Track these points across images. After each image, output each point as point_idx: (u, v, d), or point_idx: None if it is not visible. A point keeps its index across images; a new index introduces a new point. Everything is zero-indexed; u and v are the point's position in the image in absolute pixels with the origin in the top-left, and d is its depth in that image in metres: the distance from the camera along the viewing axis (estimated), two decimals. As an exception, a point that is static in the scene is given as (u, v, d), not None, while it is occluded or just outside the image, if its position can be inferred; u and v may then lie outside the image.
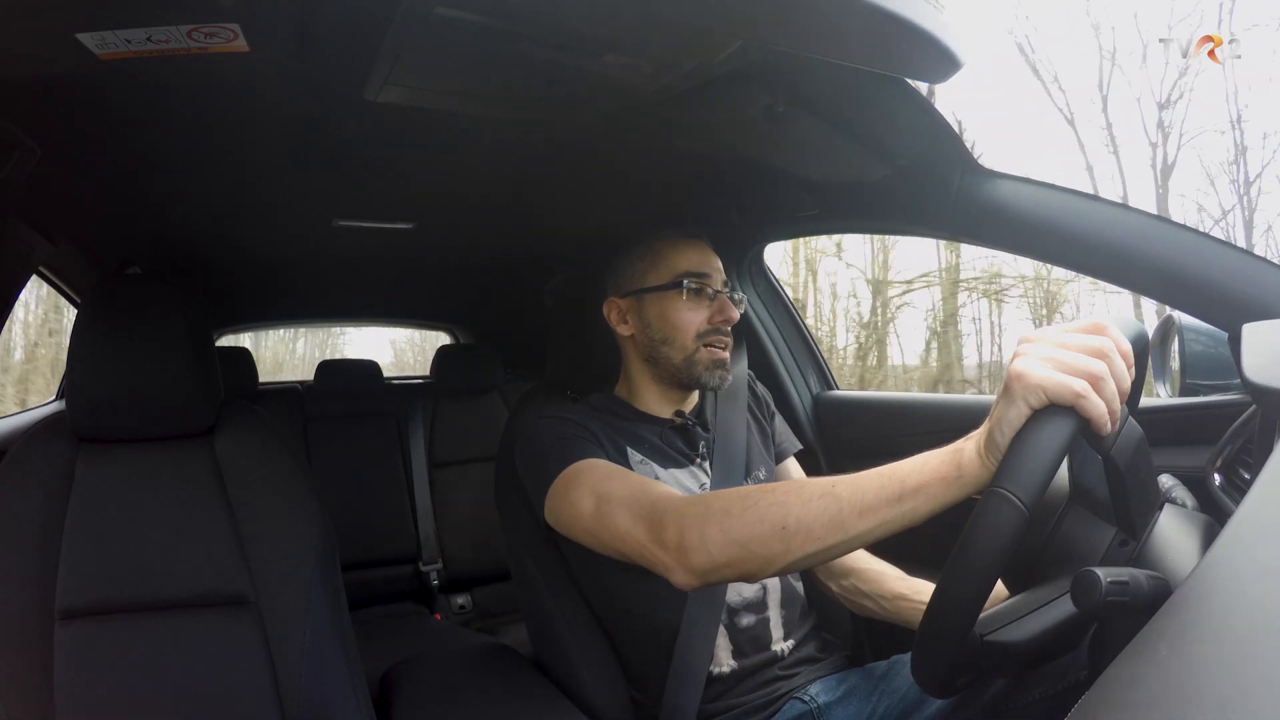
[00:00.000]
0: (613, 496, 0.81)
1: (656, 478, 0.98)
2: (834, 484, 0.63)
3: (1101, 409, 0.52)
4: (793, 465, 1.18)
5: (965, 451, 0.58)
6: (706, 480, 1.02)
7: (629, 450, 0.99)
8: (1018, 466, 0.52)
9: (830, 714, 0.92)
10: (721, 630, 0.95)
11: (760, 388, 1.20)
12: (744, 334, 1.44)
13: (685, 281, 1.02)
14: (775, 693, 0.96)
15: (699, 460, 1.03)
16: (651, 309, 1.04)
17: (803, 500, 0.64)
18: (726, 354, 1.03)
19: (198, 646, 0.91)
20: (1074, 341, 0.54)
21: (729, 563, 0.68)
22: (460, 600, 2.15)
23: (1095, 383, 0.52)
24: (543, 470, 0.92)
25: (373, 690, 1.00)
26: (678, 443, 1.04)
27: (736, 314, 1.03)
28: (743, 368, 1.19)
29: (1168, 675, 0.37)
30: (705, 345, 1.01)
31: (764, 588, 0.99)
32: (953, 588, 0.56)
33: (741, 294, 1.11)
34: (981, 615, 0.66)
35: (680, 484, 0.99)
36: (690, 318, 1.02)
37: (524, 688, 1.05)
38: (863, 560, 1.04)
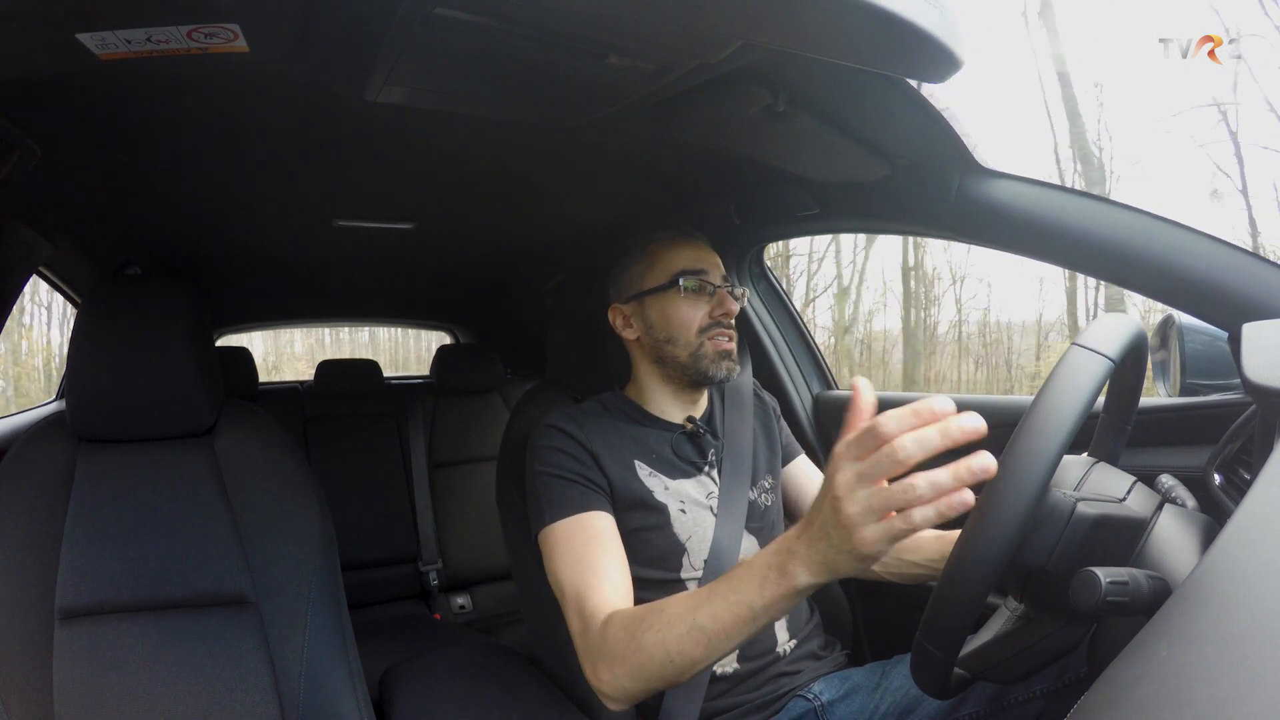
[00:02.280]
0: (565, 591, 0.88)
1: (666, 489, 0.99)
2: (694, 613, 0.69)
3: (932, 513, 0.52)
4: (804, 463, 1.19)
5: (796, 578, 0.61)
6: (714, 488, 1.02)
7: (636, 464, 0.99)
8: (922, 662, 0.60)
9: (833, 711, 0.92)
10: None
11: (767, 395, 1.21)
12: (744, 334, 1.44)
13: (681, 279, 1.03)
14: (778, 690, 0.96)
15: (707, 469, 1.04)
16: (653, 310, 1.05)
17: (676, 634, 0.70)
18: (731, 345, 1.04)
19: (198, 646, 0.91)
20: (883, 465, 0.53)
21: (642, 691, 0.76)
22: (460, 600, 2.15)
23: (918, 503, 0.52)
24: (538, 509, 0.96)
25: (372, 690, 1.00)
26: (687, 450, 1.04)
27: (736, 306, 1.04)
28: (748, 375, 1.19)
29: (1168, 675, 0.37)
30: (709, 339, 1.02)
31: None
32: (948, 595, 0.56)
33: (742, 288, 1.11)
34: (968, 651, 0.67)
35: (687, 495, 1.00)
36: (691, 314, 1.03)
37: (524, 688, 1.05)
38: None
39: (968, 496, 0.52)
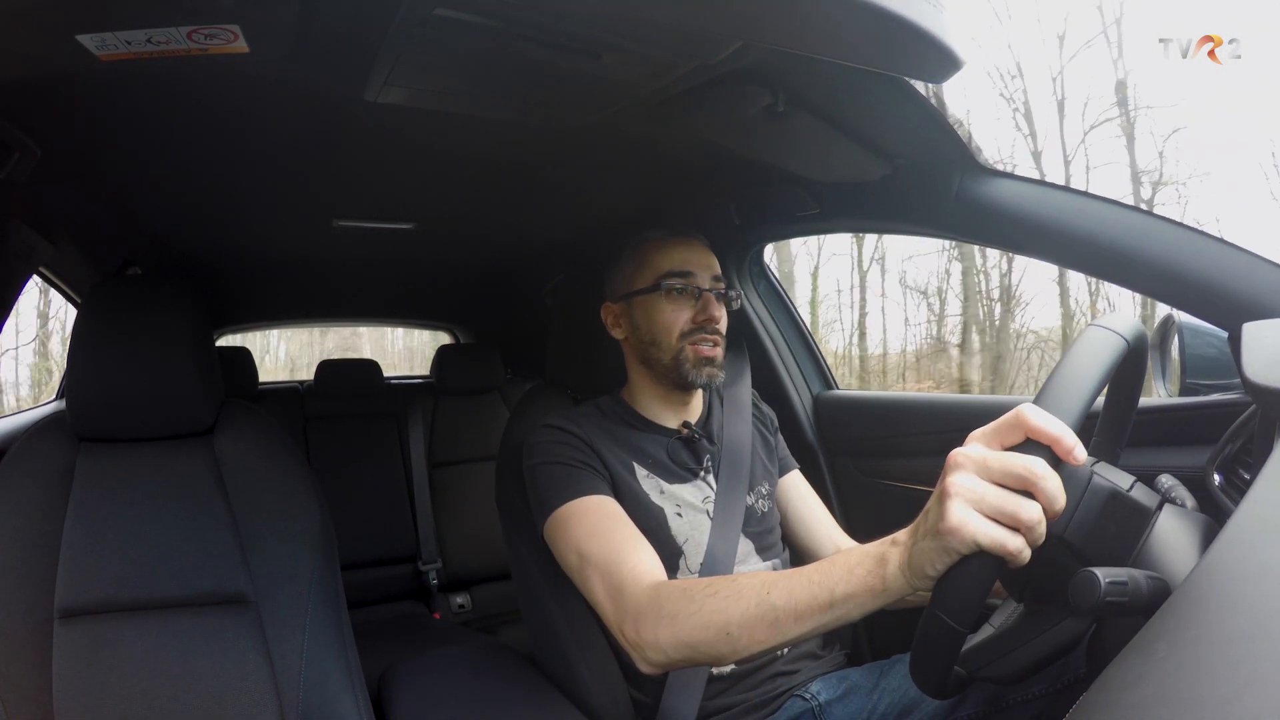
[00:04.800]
0: (591, 558, 0.86)
1: (662, 493, 0.99)
2: (769, 589, 0.66)
3: (1026, 554, 0.51)
4: (797, 478, 1.18)
5: (890, 566, 0.58)
6: (711, 493, 1.02)
7: (635, 465, 0.99)
8: (949, 597, 0.55)
9: (830, 711, 0.92)
10: None
11: (766, 407, 1.21)
12: (744, 334, 1.44)
13: (664, 282, 1.02)
14: (776, 690, 0.96)
15: (703, 474, 1.04)
16: (639, 311, 1.05)
17: (742, 607, 0.67)
18: (714, 351, 1.02)
19: (197, 646, 0.91)
20: (1007, 471, 0.50)
21: (683, 660, 0.74)
22: (460, 600, 2.15)
23: (1028, 531, 0.50)
24: (543, 498, 0.95)
25: (372, 690, 1.00)
26: (683, 455, 1.04)
27: (719, 312, 1.02)
28: (748, 383, 1.19)
29: (1167, 675, 0.37)
30: (691, 344, 1.01)
31: None
32: (944, 600, 0.57)
33: (737, 290, 1.10)
34: (968, 648, 0.67)
35: (683, 499, 1.00)
36: (673, 317, 1.02)
37: (523, 687, 1.05)
38: None
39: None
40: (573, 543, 0.89)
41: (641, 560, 0.84)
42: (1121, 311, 0.75)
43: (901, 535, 0.59)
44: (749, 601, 0.67)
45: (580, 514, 0.91)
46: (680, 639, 0.72)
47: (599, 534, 0.88)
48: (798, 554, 1.12)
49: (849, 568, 0.61)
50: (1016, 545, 0.50)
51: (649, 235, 1.08)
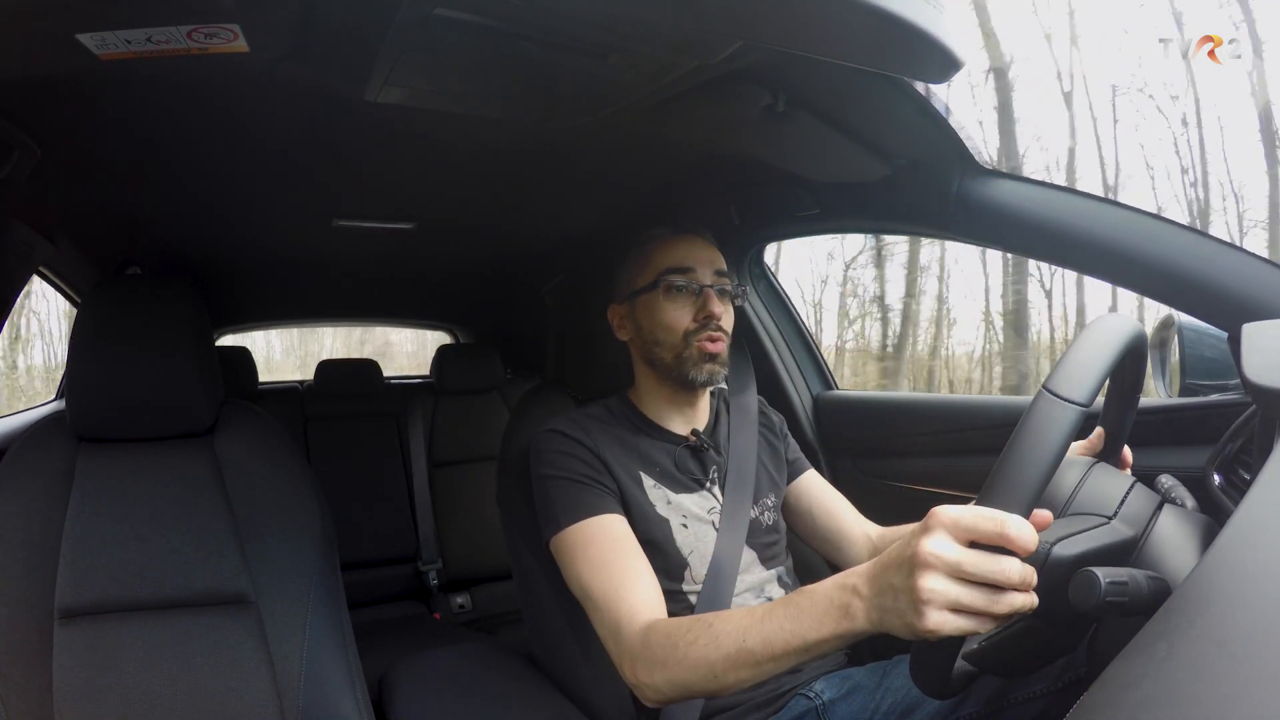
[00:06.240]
0: (592, 594, 0.88)
1: (669, 503, 0.99)
2: (745, 636, 0.69)
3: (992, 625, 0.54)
4: (814, 476, 1.18)
5: (857, 621, 0.60)
6: (717, 504, 1.02)
7: (642, 475, 0.99)
8: (922, 663, 0.59)
9: (834, 710, 0.92)
10: None
11: (774, 412, 1.20)
12: (744, 334, 1.44)
13: (664, 279, 1.01)
14: (779, 689, 0.96)
15: (709, 484, 1.03)
16: (642, 311, 1.04)
17: (723, 652, 0.70)
18: (716, 346, 1.00)
19: (197, 646, 0.91)
20: (978, 573, 0.52)
21: (680, 696, 0.78)
22: (460, 600, 2.15)
23: (996, 620, 0.53)
24: (551, 514, 0.95)
25: (372, 690, 1.00)
26: (690, 465, 1.03)
27: (719, 309, 1.00)
28: (753, 390, 1.18)
29: (1167, 675, 0.37)
30: (696, 341, 1.00)
31: (770, 600, 0.99)
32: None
33: (740, 285, 1.08)
34: (969, 648, 0.67)
35: (689, 510, 0.99)
36: (675, 316, 1.01)
37: (523, 687, 1.05)
38: (903, 531, 1.02)
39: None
40: (575, 573, 0.91)
41: (637, 599, 0.85)
42: (1071, 369, 0.56)
43: (862, 585, 0.60)
44: (728, 648, 0.70)
45: (585, 541, 0.91)
46: (673, 681, 0.75)
47: (601, 565, 0.89)
48: (832, 547, 1.12)
49: (816, 619, 0.64)
50: (988, 628, 0.54)
51: (652, 234, 1.07)
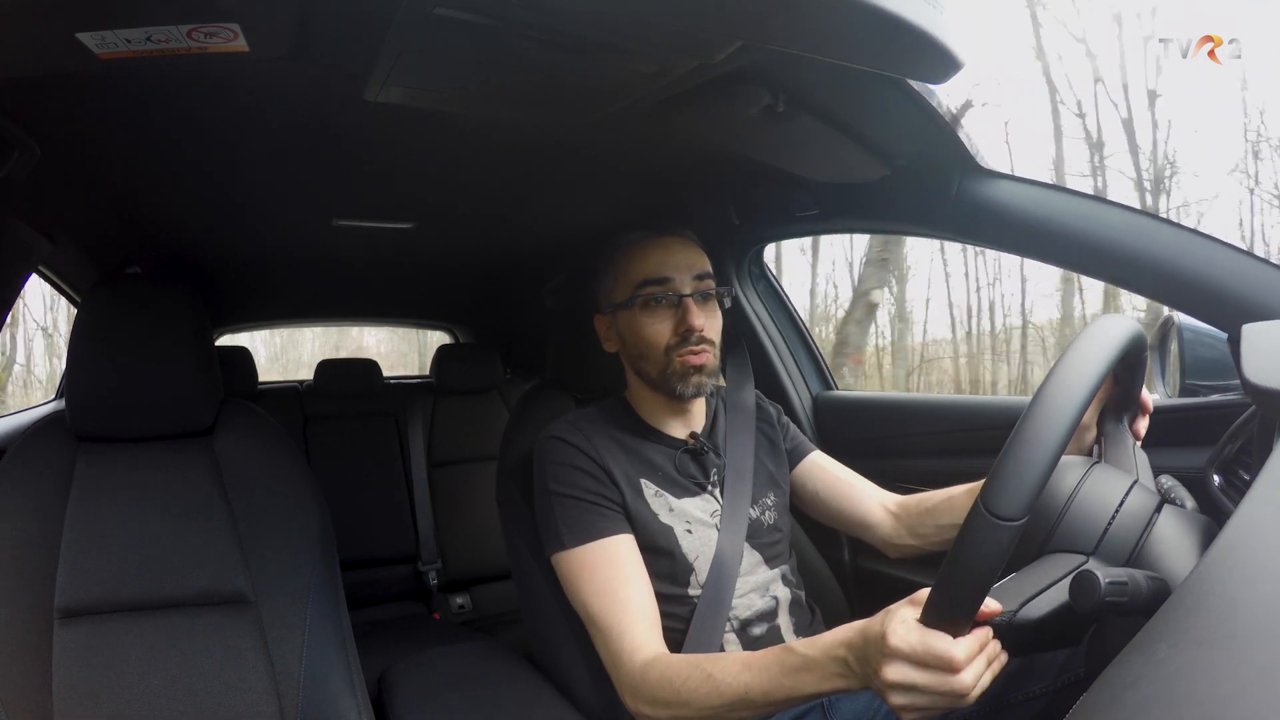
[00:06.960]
0: (595, 621, 0.90)
1: (671, 510, 0.98)
2: (747, 689, 0.73)
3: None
4: (820, 457, 1.16)
5: (852, 681, 0.67)
6: (718, 507, 1.01)
7: (643, 483, 0.99)
8: None
9: (838, 707, 0.92)
10: (734, 641, 0.95)
11: (770, 405, 1.18)
12: (744, 334, 1.44)
13: (639, 293, 0.98)
14: None
15: (710, 487, 1.03)
16: (623, 325, 1.02)
17: (725, 700, 0.74)
18: (701, 359, 0.98)
19: (197, 646, 0.91)
20: (936, 659, 0.58)
21: None
22: (459, 600, 2.15)
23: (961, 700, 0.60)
24: (556, 531, 0.95)
25: (371, 690, 1.00)
26: (690, 469, 1.03)
27: (699, 320, 0.97)
28: (750, 389, 1.17)
29: (1167, 675, 0.37)
30: (678, 356, 0.97)
31: (775, 599, 1.00)
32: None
33: (725, 287, 1.05)
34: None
35: (692, 515, 0.99)
36: (655, 330, 0.98)
37: (522, 688, 1.05)
38: (922, 500, 1.03)
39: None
40: (578, 594, 0.92)
41: (638, 636, 0.86)
42: (1009, 481, 0.52)
43: (853, 660, 0.66)
44: (729, 697, 0.74)
45: (592, 565, 0.92)
46: (675, 718, 0.79)
47: (605, 594, 0.90)
48: (849, 526, 1.11)
49: (816, 680, 0.69)
50: (948, 706, 0.60)
51: (624, 240, 1.03)
